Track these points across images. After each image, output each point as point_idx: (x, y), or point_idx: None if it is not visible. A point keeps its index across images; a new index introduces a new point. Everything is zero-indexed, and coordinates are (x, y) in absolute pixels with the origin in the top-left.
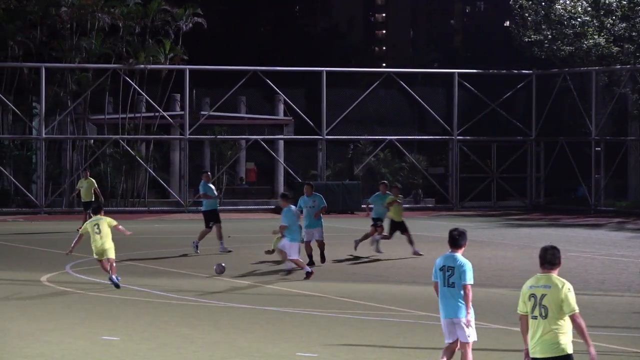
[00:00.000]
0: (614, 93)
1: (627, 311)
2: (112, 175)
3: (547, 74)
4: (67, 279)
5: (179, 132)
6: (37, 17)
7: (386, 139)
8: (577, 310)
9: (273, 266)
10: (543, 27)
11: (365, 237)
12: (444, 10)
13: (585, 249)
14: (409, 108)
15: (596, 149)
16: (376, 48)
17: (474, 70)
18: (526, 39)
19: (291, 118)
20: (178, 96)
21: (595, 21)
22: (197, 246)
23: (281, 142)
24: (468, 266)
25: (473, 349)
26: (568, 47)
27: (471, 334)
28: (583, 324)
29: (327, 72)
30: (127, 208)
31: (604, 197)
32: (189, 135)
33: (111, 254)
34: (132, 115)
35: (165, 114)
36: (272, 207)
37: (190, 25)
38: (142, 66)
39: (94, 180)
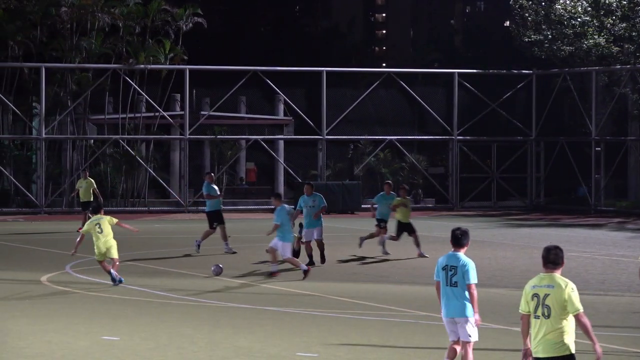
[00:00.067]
0: (614, 93)
1: (627, 311)
2: (112, 175)
3: (547, 74)
4: (67, 279)
5: (179, 132)
6: (37, 17)
7: (386, 139)
8: (581, 309)
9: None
10: (543, 27)
11: (371, 236)
12: (444, 10)
13: (586, 249)
14: (409, 108)
15: (596, 149)
16: (376, 48)
17: (474, 70)
18: (526, 39)
19: (291, 118)
20: (178, 96)
21: (595, 21)
22: (198, 245)
23: (281, 142)
24: (471, 265)
25: (474, 349)
26: (568, 47)
27: (472, 334)
28: (588, 323)
29: (327, 72)
30: (127, 208)
31: (604, 197)
32: (189, 135)
33: (114, 254)
34: (132, 115)
35: (165, 114)
36: (273, 207)
37: (190, 25)
38: (142, 66)
39: (92, 181)
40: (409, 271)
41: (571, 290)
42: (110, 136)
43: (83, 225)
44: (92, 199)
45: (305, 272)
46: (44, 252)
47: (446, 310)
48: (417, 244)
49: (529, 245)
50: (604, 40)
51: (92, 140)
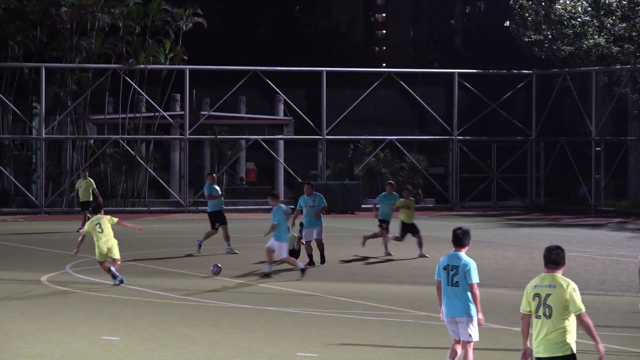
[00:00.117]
0: (614, 93)
1: (627, 311)
2: (112, 175)
3: (547, 74)
4: (67, 279)
5: (179, 132)
6: (37, 17)
7: (386, 139)
8: (583, 309)
9: (273, 266)
10: (543, 27)
11: (374, 236)
12: (444, 10)
13: (586, 249)
14: (409, 108)
15: (596, 149)
16: (376, 48)
17: (474, 70)
18: (526, 39)
19: (291, 118)
20: (178, 96)
21: (595, 21)
22: (200, 245)
23: (281, 142)
24: (472, 265)
25: (474, 349)
26: (568, 47)
27: (473, 334)
28: (590, 322)
29: (327, 72)
30: (127, 208)
31: (604, 197)
32: (189, 135)
33: (116, 254)
34: (132, 115)
35: (165, 114)
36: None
37: (190, 25)
38: (142, 66)
39: (92, 181)
40: (409, 271)
41: (573, 291)
42: (110, 136)
43: (83, 225)
44: (91, 199)
45: (303, 271)
46: (44, 252)
47: (447, 310)
48: (420, 245)
49: (529, 245)
50: (604, 40)
51: (92, 140)
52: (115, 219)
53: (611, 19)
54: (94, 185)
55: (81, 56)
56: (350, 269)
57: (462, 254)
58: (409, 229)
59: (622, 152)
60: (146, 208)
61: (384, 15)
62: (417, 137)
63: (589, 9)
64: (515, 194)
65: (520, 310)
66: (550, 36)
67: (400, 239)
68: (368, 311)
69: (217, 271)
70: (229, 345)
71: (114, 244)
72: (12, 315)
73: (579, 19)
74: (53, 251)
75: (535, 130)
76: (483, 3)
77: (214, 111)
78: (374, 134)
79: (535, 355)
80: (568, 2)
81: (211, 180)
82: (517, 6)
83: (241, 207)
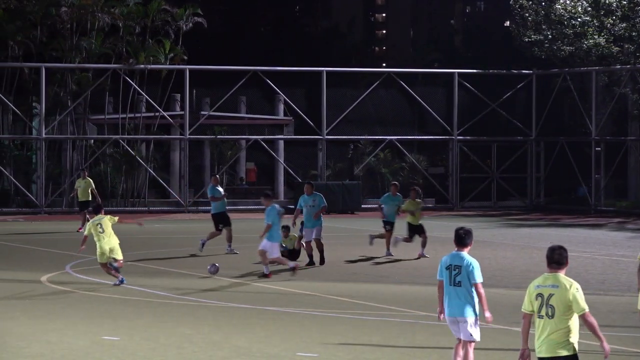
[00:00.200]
0: (614, 93)
1: (627, 311)
2: (112, 175)
3: (547, 74)
4: (67, 279)
5: (179, 132)
6: (37, 17)
7: (386, 139)
8: (587, 309)
9: (273, 266)
10: (543, 27)
11: (381, 236)
12: (444, 10)
13: (586, 249)
14: (409, 108)
15: (596, 149)
16: (376, 48)
17: (474, 70)
18: (526, 39)
19: (291, 118)
20: (178, 96)
21: (595, 21)
22: (203, 244)
23: (281, 142)
24: (475, 264)
25: (474, 349)
26: (568, 47)
27: (474, 334)
28: (595, 322)
29: (327, 72)
30: (127, 208)
31: (604, 197)
32: (189, 135)
33: (118, 254)
34: (132, 115)
35: (165, 114)
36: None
37: (190, 25)
38: (142, 66)
39: (91, 180)
40: (409, 271)
41: (576, 291)
42: (110, 136)
43: (83, 224)
44: (90, 199)
45: (293, 270)
46: (44, 252)
47: (449, 310)
48: (423, 245)
49: (529, 245)
50: (604, 40)
51: (92, 140)
52: (116, 218)
53: (611, 19)
54: (93, 185)
55: (81, 56)
56: (350, 269)
57: (465, 253)
58: (415, 230)
59: (622, 152)
60: (146, 208)
61: (384, 15)
62: (417, 137)
63: (589, 9)
64: (515, 194)
65: (522, 310)
66: (550, 36)
67: (409, 240)
68: (368, 311)
69: (214, 271)
70: (228, 345)
71: (116, 244)
72: (12, 315)
73: (579, 19)
74: (53, 251)
75: (535, 130)
76: (483, 3)
77: (214, 111)
78: (374, 134)
79: (538, 355)
80: (568, 2)
81: (214, 182)
82: (517, 6)
83: (241, 207)
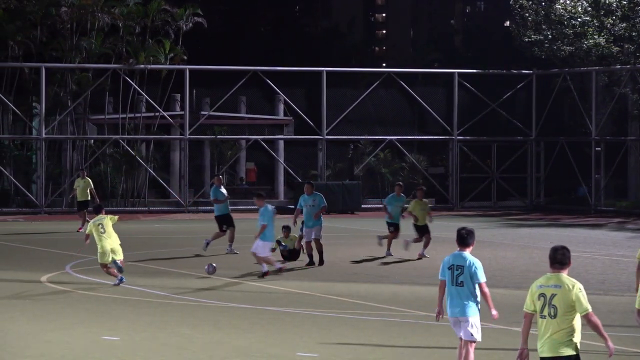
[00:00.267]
0: (614, 93)
1: (627, 311)
2: (112, 175)
3: (547, 74)
4: (67, 279)
5: (179, 132)
6: (37, 17)
7: (386, 139)
8: (590, 309)
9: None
10: (543, 27)
11: (387, 237)
12: (444, 10)
13: (586, 249)
14: (409, 108)
15: (596, 149)
16: (376, 48)
17: (474, 70)
18: (526, 39)
19: (291, 118)
20: (178, 96)
21: (595, 21)
22: (207, 244)
23: (281, 142)
24: (478, 264)
25: (475, 349)
26: (568, 47)
27: (475, 334)
28: (598, 321)
29: (327, 72)
30: (127, 208)
31: (604, 197)
32: (189, 135)
33: (119, 254)
34: (132, 115)
35: (165, 114)
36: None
37: (190, 25)
38: (142, 66)
39: (90, 180)
40: (409, 271)
41: (578, 291)
42: (110, 136)
43: (82, 224)
44: (89, 199)
45: (279, 269)
46: (44, 252)
47: (451, 310)
48: (425, 245)
49: (529, 245)
50: (604, 40)
51: (92, 140)
52: (116, 217)
53: (611, 19)
54: (92, 185)
55: (81, 56)
56: (351, 269)
57: (467, 253)
58: (421, 230)
59: (622, 152)
60: (146, 208)
61: (384, 15)
62: (417, 137)
63: (589, 9)
64: (515, 194)
65: (524, 309)
66: (550, 36)
67: (419, 239)
68: (368, 311)
69: (211, 271)
70: (228, 345)
71: (117, 243)
72: (12, 315)
73: (579, 19)
74: (53, 251)
75: (535, 130)
76: (483, 3)
77: (214, 111)
78: (374, 134)
79: (540, 354)
80: (568, 2)
81: (217, 182)
82: (517, 6)
83: (241, 207)
